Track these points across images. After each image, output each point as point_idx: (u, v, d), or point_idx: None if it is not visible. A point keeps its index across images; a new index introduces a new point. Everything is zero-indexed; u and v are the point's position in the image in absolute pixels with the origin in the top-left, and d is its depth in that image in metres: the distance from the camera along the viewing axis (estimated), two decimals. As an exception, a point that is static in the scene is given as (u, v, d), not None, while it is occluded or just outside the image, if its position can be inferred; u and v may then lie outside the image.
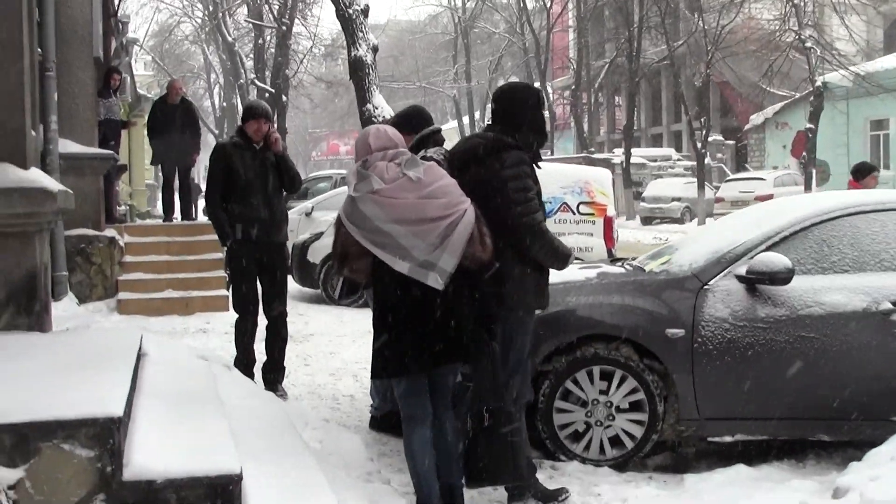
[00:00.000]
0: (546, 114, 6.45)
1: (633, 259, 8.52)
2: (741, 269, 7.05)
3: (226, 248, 8.93)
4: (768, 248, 7.15)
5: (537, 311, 6.20)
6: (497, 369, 5.66)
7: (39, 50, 10.19)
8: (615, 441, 7.12)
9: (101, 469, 3.97)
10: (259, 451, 4.78)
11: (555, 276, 7.28)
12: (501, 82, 64.38)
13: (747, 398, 7.01)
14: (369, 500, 5.08)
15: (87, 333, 7.06)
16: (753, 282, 7.00)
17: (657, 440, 7.14)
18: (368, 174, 5.31)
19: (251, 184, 8.75)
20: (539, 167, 6.09)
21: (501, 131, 5.96)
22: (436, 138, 6.98)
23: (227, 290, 15.11)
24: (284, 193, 9.23)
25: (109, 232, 14.24)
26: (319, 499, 4.44)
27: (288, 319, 9.24)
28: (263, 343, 9.05)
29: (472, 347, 5.53)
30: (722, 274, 7.11)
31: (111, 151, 15.11)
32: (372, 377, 5.84)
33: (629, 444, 7.07)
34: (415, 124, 7.00)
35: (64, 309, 11.68)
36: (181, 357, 6.32)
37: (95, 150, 14.06)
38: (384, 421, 7.63)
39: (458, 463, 5.68)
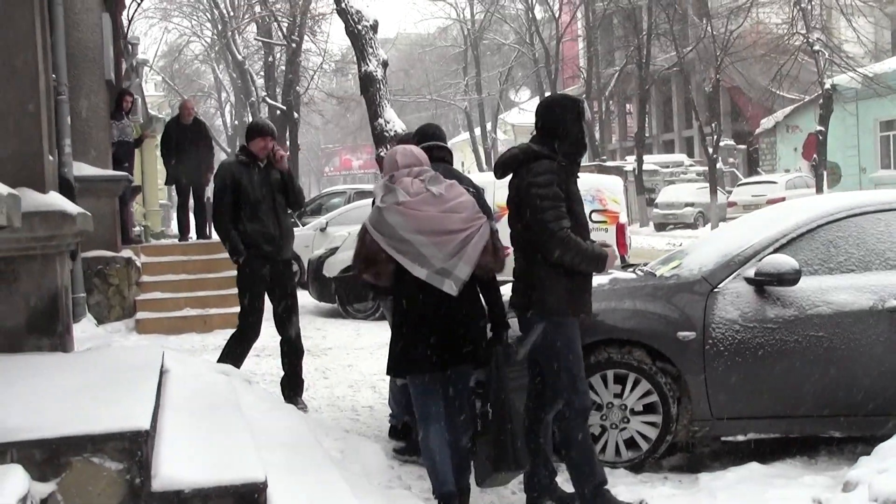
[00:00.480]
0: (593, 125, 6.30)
1: (645, 265, 8.64)
2: (750, 272, 7.14)
3: (238, 265, 9.03)
4: (776, 251, 7.24)
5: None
6: (503, 371, 5.88)
7: (53, 76, 10.34)
8: (630, 443, 7.22)
9: (130, 481, 4.09)
10: (282, 461, 4.89)
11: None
12: (512, 94, 64.56)
13: (759, 397, 7.09)
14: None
15: (109, 352, 7.21)
16: (762, 283, 7.09)
17: (671, 441, 7.23)
18: (395, 187, 5.78)
19: (259, 201, 8.86)
20: (578, 177, 6.21)
21: (540, 142, 6.06)
22: (438, 154, 7.21)
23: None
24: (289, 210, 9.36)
25: (126, 253, 14.38)
26: (342, 505, 4.56)
27: (304, 334, 9.36)
28: (280, 359, 9.15)
29: (483, 351, 5.87)
30: (731, 277, 7.20)
31: (125, 173, 15.27)
32: (388, 374, 6.17)
33: (644, 446, 7.19)
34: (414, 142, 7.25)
35: (83, 330, 11.78)
36: (202, 372, 6.42)
37: (110, 172, 14.21)
38: (403, 430, 7.75)
39: (467, 463, 5.99)
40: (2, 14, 5.73)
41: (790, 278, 7.01)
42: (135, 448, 4.12)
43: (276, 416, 6.30)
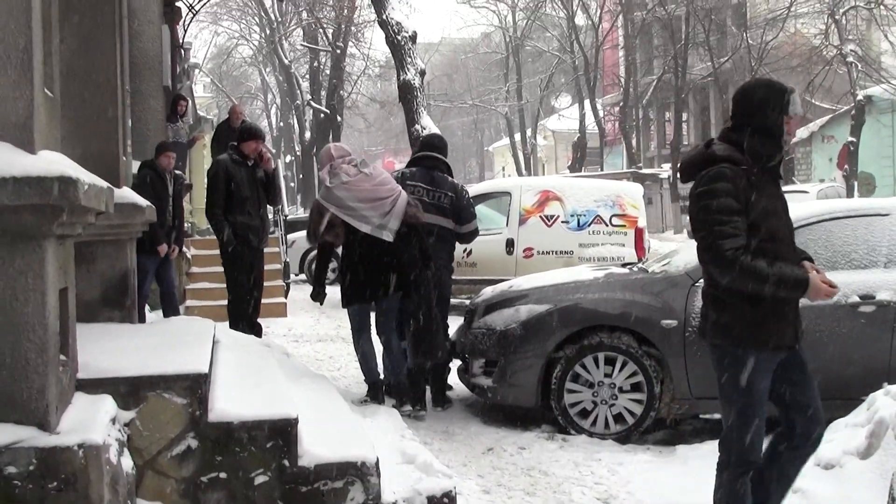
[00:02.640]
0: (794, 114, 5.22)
1: (644, 262, 9.60)
2: (727, 269, 8.03)
3: (226, 252, 10.14)
4: (751, 251, 8.08)
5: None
6: (428, 287, 8.54)
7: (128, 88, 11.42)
8: (618, 418, 8.17)
9: (192, 413, 5.11)
10: (311, 411, 5.83)
11: (566, 275, 8.51)
12: (552, 100, 64.59)
13: (733, 380, 7.93)
14: (400, 452, 6.19)
15: (171, 323, 8.40)
16: (736, 279, 7.94)
17: (655, 417, 8.16)
18: (338, 172, 8.37)
19: (248, 197, 10.01)
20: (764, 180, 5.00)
21: (727, 137, 5.08)
22: (429, 163, 9.04)
23: (285, 297, 16.32)
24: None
25: (178, 245, 15.41)
26: (358, 444, 5.52)
27: (339, 323, 10.42)
28: (314, 344, 10.12)
29: (409, 282, 8.51)
30: (711, 273, 8.12)
31: (179, 172, 16.31)
32: (344, 307, 8.66)
33: (630, 420, 8.13)
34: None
35: (138, 315, 12.81)
36: (247, 342, 7.48)
37: (166, 170, 15.23)
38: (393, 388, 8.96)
39: (400, 367, 8.70)
40: (90, 38, 6.76)
41: (760, 275, 7.87)
42: (196, 387, 5.14)
43: (308, 380, 7.33)
